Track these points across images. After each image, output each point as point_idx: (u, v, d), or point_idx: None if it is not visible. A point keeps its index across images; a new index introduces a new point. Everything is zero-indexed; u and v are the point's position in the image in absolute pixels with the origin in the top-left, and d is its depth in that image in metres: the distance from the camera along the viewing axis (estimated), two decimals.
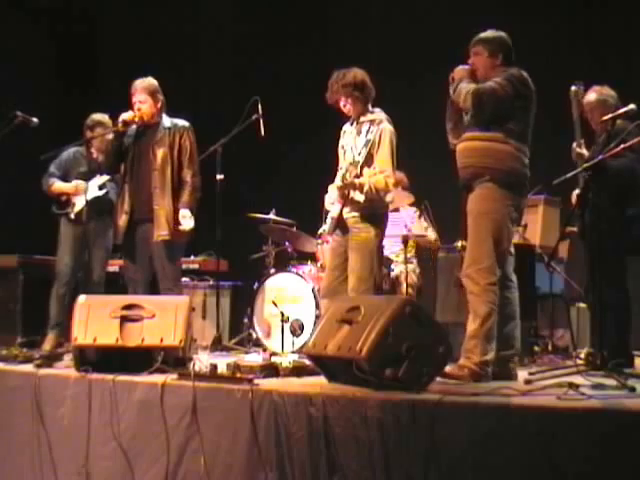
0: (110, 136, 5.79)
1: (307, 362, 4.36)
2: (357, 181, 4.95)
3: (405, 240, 6.20)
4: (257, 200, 7.37)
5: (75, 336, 4.40)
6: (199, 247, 7.08)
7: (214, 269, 6.88)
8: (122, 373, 4.22)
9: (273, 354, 5.51)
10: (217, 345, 6.15)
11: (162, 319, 4.41)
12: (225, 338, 6.58)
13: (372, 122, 5.08)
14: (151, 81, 5.65)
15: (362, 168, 4.97)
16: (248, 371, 4.16)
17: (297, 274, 6.33)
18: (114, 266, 6.64)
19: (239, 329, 6.82)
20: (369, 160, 5.01)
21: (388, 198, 5.04)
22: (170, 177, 5.55)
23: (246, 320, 6.57)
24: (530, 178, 4.33)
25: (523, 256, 5.18)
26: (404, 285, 6.12)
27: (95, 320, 4.41)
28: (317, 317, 5.82)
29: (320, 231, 5.96)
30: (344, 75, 5.07)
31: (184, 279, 6.63)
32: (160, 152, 5.56)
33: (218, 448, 3.83)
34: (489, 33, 4.39)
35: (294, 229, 6.87)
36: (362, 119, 5.12)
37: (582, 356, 5.05)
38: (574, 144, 5.01)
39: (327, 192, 5.20)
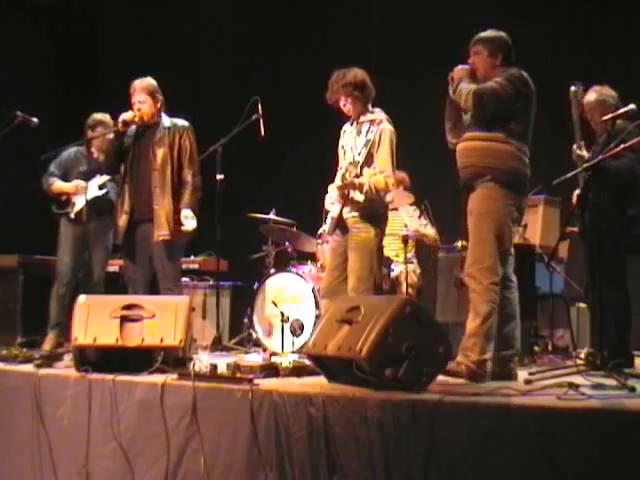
0: (110, 136, 5.79)
1: (307, 362, 4.36)
2: (357, 181, 4.95)
3: (405, 240, 6.19)
4: (257, 200, 7.37)
5: (75, 336, 4.40)
6: (199, 247, 7.07)
7: (214, 269, 6.88)
8: (122, 373, 4.22)
9: (273, 354, 5.51)
10: (217, 345, 6.14)
11: (162, 319, 4.41)
12: (225, 338, 6.58)
13: (372, 122, 5.07)
14: (150, 81, 5.65)
15: (362, 168, 4.97)
16: (248, 371, 4.16)
17: (297, 274, 6.32)
18: (114, 266, 6.64)
19: (239, 329, 6.82)
20: (369, 160, 5.01)
21: (388, 198, 5.04)
22: (170, 177, 5.55)
23: (246, 320, 6.56)
24: (530, 178, 4.32)
25: (523, 256, 5.19)
26: (404, 285, 6.12)
27: (95, 320, 4.41)
28: (317, 317, 5.81)
29: (320, 231, 5.97)
30: (344, 75, 5.07)
31: (184, 279, 6.63)
32: (160, 152, 5.56)
33: (218, 448, 3.83)
34: (489, 33, 4.39)
35: (294, 229, 6.86)
36: (362, 119, 5.12)
37: (582, 356, 5.05)
38: (574, 146, 5.01)
39: (327, 192, 5.19)
